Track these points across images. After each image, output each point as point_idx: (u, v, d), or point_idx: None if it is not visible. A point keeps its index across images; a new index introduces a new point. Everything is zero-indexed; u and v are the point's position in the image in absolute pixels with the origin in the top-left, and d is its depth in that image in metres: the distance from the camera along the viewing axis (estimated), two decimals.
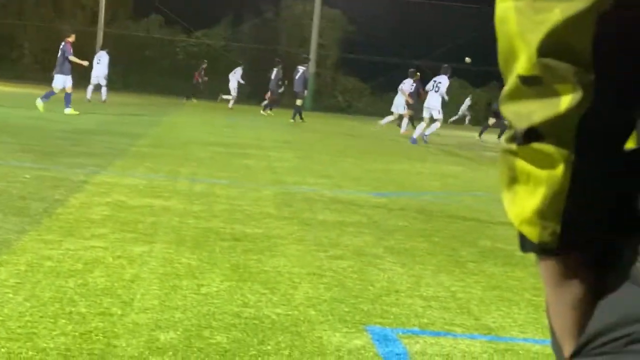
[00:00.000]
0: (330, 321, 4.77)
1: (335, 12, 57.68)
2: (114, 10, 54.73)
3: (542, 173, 0.97)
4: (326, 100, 53.91)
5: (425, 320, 4.96)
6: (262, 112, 37.10)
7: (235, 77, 42.49)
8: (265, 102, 37.61)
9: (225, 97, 43.17)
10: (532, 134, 0.97)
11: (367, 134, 24.88)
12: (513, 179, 1.01)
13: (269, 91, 37.09)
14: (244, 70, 43.22)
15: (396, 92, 30.03)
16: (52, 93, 24.14)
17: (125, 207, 8.05)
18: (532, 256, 1.06)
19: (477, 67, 35.28)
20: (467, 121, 50.53)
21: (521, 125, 0.97)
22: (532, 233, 1.00)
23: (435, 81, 25.47)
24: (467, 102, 49.74)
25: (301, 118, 32.81)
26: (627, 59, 0.94)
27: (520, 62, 0.96)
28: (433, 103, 25.24)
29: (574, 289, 1.02)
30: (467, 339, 4.67)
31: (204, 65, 45.79)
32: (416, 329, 4.80)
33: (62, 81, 24.49)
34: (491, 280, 6.18)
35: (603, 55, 0.93)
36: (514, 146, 0.99)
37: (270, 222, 7.94)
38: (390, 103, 31.36)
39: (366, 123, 35.99)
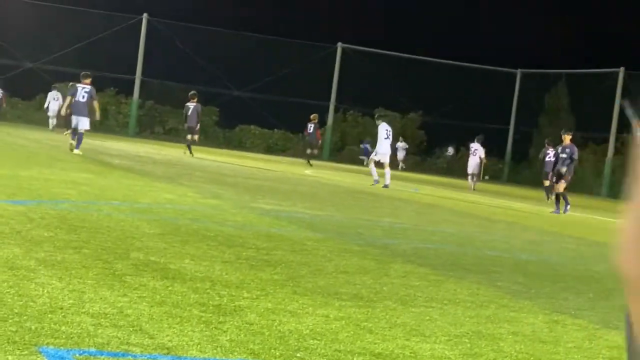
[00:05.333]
0: None
1: None
2: None
3: None
4: None
5: (100, 340, 4.69)
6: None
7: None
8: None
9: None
10: None
11: None
12: None
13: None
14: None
15: None
16: None
17: None
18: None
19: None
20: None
21: None
22: None
23: (387, 130, 26.61)
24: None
25: None
26: None
27: None
28: (383, 150, 26.45)
29: None
30: None
31: None
32: (93, 349, 4.51)
33: None
34: (155, 296, 5.99)
35: None
36: None
37: None
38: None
39: None
